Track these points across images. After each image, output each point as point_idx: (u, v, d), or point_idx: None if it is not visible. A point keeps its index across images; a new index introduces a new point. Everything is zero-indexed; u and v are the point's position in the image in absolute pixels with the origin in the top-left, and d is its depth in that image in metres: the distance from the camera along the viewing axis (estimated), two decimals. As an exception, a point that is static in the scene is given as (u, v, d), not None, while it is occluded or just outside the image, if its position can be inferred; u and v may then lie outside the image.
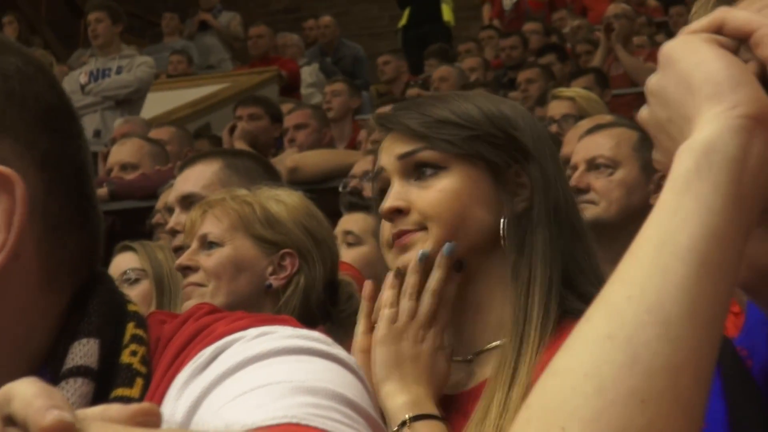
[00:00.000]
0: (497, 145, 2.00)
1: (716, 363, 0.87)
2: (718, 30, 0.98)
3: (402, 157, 2.01)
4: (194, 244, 2.73)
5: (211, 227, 2.71)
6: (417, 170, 2.00)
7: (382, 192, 2.05)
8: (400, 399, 1.88)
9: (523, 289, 1.94)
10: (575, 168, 3.59)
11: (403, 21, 13.82)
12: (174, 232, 3.27)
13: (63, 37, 15.47)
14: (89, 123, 8.92)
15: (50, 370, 1.16)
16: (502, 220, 1.98)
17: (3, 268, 1.14)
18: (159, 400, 1.14)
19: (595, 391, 0.83)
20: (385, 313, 1.95)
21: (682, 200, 0.89)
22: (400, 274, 1.96)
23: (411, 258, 1.95)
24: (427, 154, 1.99)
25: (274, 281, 2.69)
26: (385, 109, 4.81)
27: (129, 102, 9.41)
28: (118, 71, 9.39)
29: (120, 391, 1.16)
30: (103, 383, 1.16)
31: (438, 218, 1.95)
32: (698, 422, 0.84)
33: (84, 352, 1.17)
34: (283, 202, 2.73)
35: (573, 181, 3.54)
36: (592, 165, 3.55)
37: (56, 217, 1.21)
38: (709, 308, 0.85)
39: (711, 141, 0.90)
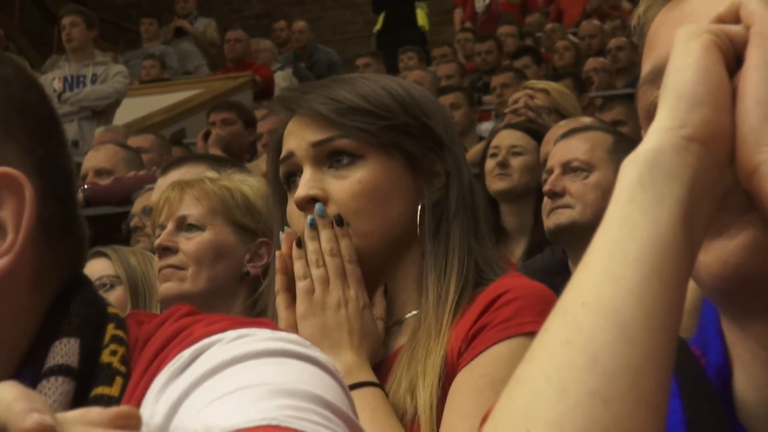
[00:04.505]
0: (413, 135, 1.98)
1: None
2: (735, 16, 0.99)
3: (316, 144, 1.97)
4: (171, 225, 2.68)
5: (190, 209, 2.67)
6: (331, 158, 1.97)
7: (290, 176, 2.02)
8: None
9: (440, 276, 1.94)
10: (551, 171, 3.60)
11: (378, 26, 13.85)
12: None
13: (36, 44, 15.43)
14: (66, 132, 8.87)
15: (31, 370, 1.17)
16: (419, 208, 1.97)
17: (10, 269, 1.16)
18: (138, 400, 1.14)
19: (558, 394, 0.83)
20: (300, 286, 1.94)
21: (628, 211, 0.89)
22: (302, 244, 1.94)
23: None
24: (343, 143, 1.96)
25: (251, 269, 2.66)
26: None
27: (104, 111, 9.39)
28: (93, 79, 9.37)
29: (100, 390, 1.17)
30: (84, 382, 1.17)
31: (358, 210, 1.94)
32: (661, 421, 0.85)
33: (65, 351, 1.17)
34: (258, 189, 2.71)
35: (548, 185, 3.56)
36: (568, 168, 3.56)
37: (49, 222, 1.22)
38: (663, 312, 0.86)
39: (653, 156, 0.91)
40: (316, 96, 2.00)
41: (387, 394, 1.87)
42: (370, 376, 1.89)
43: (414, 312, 1.97)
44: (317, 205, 1.93)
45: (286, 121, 2.05)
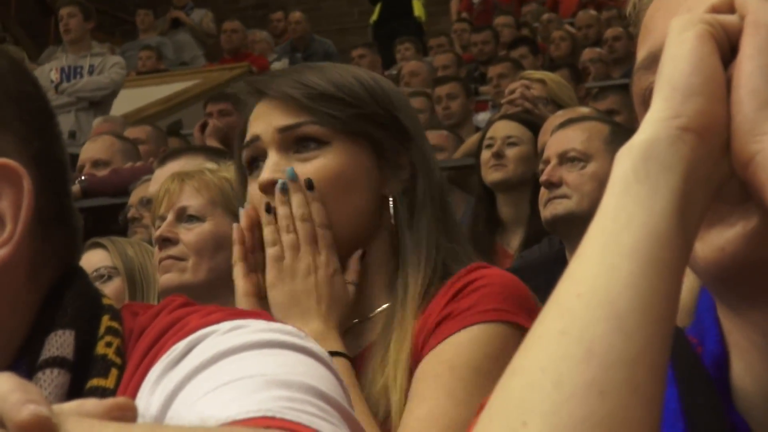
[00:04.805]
0: (381, 125, 1.98)
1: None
2: (730, 5, 0.99)
3: (283, 130, 1.95)
4: (171, 216, 2.67)
5: (191, 200, 2.67)
6: (298, 143, 1.96)
7: (254, 161, 2.00)
8: None
9: (409, 266, 1.93)
10: (547, 162, 3.60)
11: (374, 16, 13.83)
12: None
13: (33, 35, 15.42)
14: (63, 123, 8.88)
15: (26, 362, 1.17)
16: (390, 199, 1.97)
17: (8, 260, 1.17)
18: (133, 391, 1.15)
19: (554, 385, 0.83)
20: (270, 252, 1.92)
21: (622, 202, 0.89)
22: (272, 210, 1.92)
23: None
24: (311, 129, 1.95)
25: None
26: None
27: (102, 102, 9.38)
28: (90, 70, 9.37)
29: (95, 382, 1.17)
30: (79, 374, 1.17)
31: (324, 194, 1.92)
32: (657, 413, 0.85)
33: (60, 343, 1.17)
34: None
35: (545, 175, 3.56)
36: (564, 159, 3.56)
37: (44, 214, 1.23)
38: (659, 303, 0.86)
39: (648, 147, 0.91)
40: (286, 80, 1.98)
41: (363, 392, 1.85)
42: (337, 346, 1.87)
43: (384, 306, 1.96)
44: (288, 169, 1.92)
45: (252, 106, 2.03)
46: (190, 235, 2.65)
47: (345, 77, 1.99)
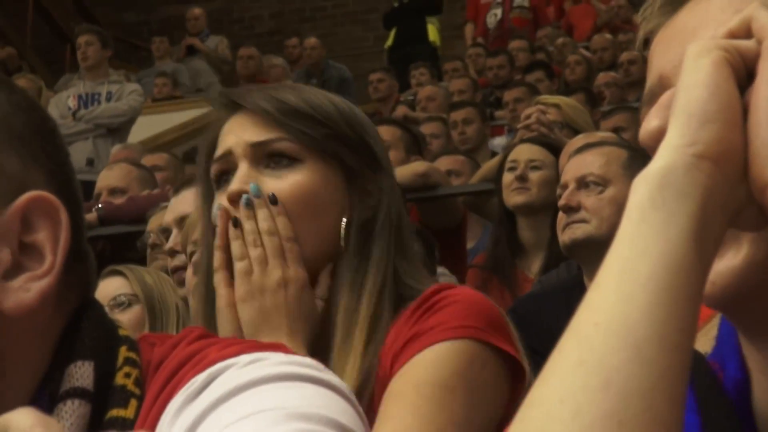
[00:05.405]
0: (353, 149, 1.98)
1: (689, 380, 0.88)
2: (747, 30, 0.99)
3: (256, 145, 1.95)
4: None
5: None
6: (269, 158, 1.96)
7: (223, 174, 2.00)
8: None
9: (357, 295, 1.92)
10: (565, 187, 3.60)
11: (389, 41, 13.87)
12: (173, 253, 3.25)
13: (49, 63, 15.50)
14: (81, 150, 8.93)
15: (48, 393, 1.17)
16: (342, 222, 1.96)
17: (48, 290, 1.17)
18: (152, 423, 1.15)
19: (572, 415, 0.83)
20: (238, 267, 1.91)
21: (639, 230, 0.89)
22: (239, 224, 1.92)
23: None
24: (284, 145, 1.95)
25: None
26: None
27: (119, 129, 9.42)
28: (108, 97, 9.40)
29: (115, 412, 1.17)
30: (99, 405, 1.17)
31: (292, 213, 1.92)
32: None
33: (80, 374, 1.18)
34: None
35: (564, 200, 3.56)
36: (582, 183, 3.56)
37: (69, 246, 1.23)
38: (676, 331, 0.86)
39: (664, 174, 0.91)
40: (261, 95, 1.99)
41: None
42: None
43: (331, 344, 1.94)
44: (251, 185, 1.92)
45: (224, 120, 2.03)
46: None
47: (319, 98, 1.99)
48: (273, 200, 1.91)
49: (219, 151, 2.00)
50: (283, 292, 1.89)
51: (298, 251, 1.91)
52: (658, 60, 1.12)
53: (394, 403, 1.76)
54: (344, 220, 1.96)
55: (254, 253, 1.90)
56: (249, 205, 1.91)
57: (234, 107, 2.02)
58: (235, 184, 1.94)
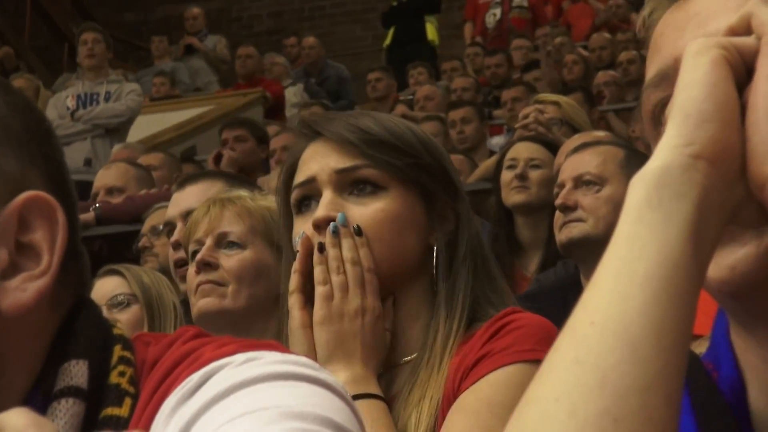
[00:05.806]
0: (434, 176, 2.04)
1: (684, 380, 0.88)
2: (747, 27, 0.99)
3: (342, 171, 2.00)
4: (210, 241, 2.65)
5: (232, 226, 2.66)
6: (353, 185, 2.01)
7: (305, 200, 2.05)
8: (341, 377, 1.88)
9: (441, 317, 1.98)
10: (562, 186, 3.60)
11: (387, 41, 13.86)
12: (178, 246, 3.24)
13: (47, 63, 15.49)
14: (79, 151, 8.91)
15: (42, 392, 1.17)
16: (435, 248, 2.02)
17: (45, 290, 1.17)
18: (146, 422, 1.14)
19: (568, 414, 0.84)
20: (319, 291, 1.95)
21: (636, 230, 0.90)
22: (324, 249, 1.96)
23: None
24: (369, 173, 2.00)
25: None
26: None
27: (118, 129, 9.40)
28: (107, 97, 9.37)
29: (109, 411, 1.17)
30: (93, 403, 1.17)
31: (375, 237, 1.97)
32: None
33: (74, 372, 1.18)
34: None
35: (560, 199, 3.56)
36: (579, 182, 3.56)
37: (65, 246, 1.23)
38: (672, 330, 0.86)
39: (660, 174, 0.91)
40: (342, 123, 2.03)
41: None
42: (376, 390, 1.92)
43: (412, 356, 1.99)
44: (339, 214, 1.96)
45: (304, 146, 2.07)
46: (231, 261, 2.63)
47: (399, 126, 2.05)
48: (358, 232, 1.96)
49: (301, 177, 2.05)
50: (360, 320, 1.94)
51: (376, 283, 1.97)
52: (673, 44, 1.11)
53: (468, 419, 1.81)
54: (435, 247, 2.02)
55: (336, 279, 1.95)
56: (335, 233, 1.96)
57: (316, 133, 2.06)
58: (321, 211, 1.99)
